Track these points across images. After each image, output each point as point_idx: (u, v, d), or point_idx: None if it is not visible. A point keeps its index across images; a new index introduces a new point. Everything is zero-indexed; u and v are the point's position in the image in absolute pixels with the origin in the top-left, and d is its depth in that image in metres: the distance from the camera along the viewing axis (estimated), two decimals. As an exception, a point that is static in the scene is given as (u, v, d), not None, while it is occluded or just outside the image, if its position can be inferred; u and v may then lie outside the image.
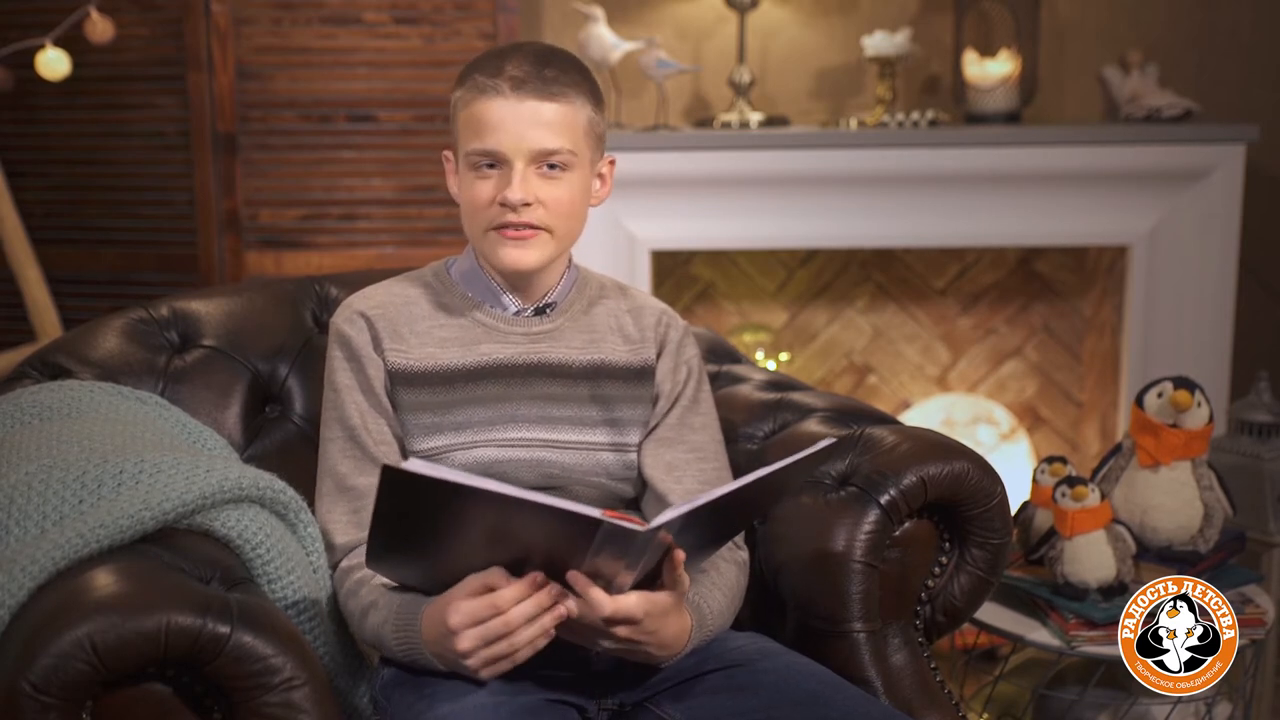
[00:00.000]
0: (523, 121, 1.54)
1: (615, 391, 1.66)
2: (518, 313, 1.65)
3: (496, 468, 1.59)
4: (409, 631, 1.43)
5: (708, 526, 1.43)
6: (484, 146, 1.55)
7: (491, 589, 1.36)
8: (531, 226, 1.56)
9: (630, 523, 1.31)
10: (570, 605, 1.36)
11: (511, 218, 1.56)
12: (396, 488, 1.29)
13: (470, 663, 1.37)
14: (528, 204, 1.55)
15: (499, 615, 1.35)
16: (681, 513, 1.33)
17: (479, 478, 1.31)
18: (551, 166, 1.56)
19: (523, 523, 1.32)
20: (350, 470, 1.59)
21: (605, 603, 1.35)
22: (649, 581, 1.40)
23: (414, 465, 1.28)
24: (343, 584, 1.55)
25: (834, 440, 1.48)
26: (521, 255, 1.58)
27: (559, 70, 1.56)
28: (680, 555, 1.38)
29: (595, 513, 1.30)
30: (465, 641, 1.36)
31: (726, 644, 1.54)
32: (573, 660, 1.45)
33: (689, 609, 1.47)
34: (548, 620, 1.36)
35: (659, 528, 1.32)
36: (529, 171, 1.55)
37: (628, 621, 1.38)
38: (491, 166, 1.56)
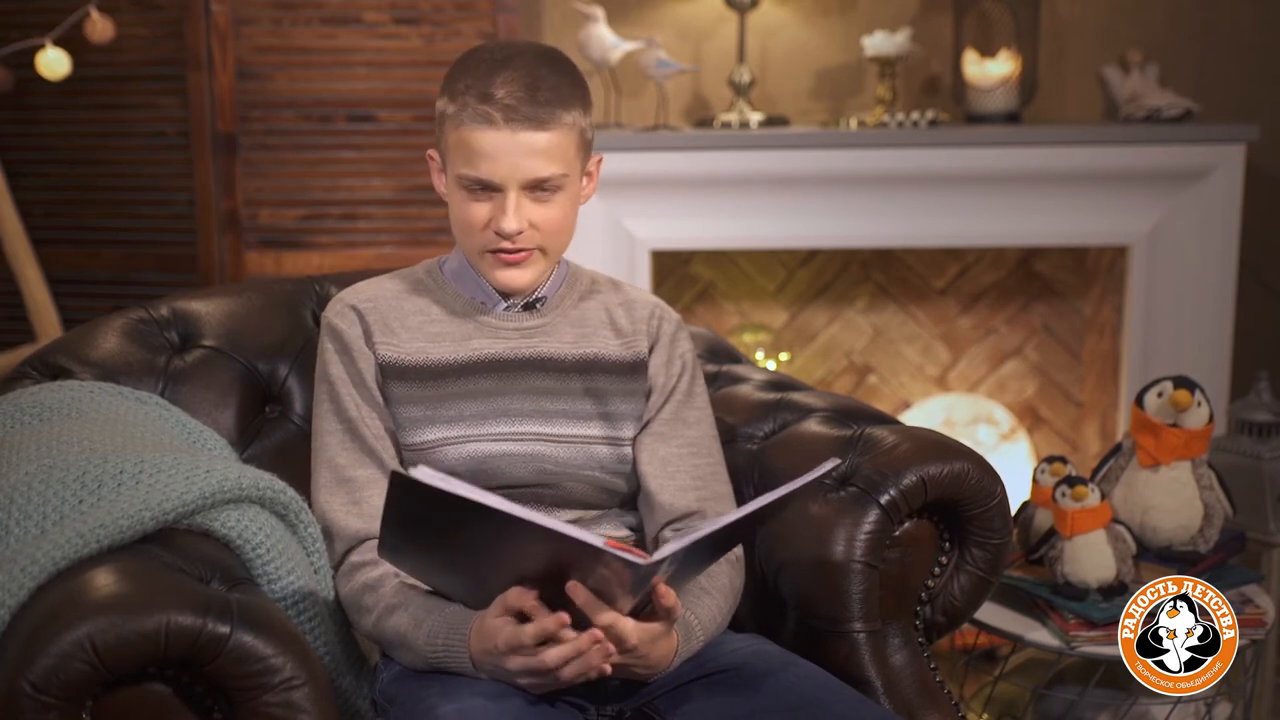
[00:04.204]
0: (516, 154, 1.54)
1: (608, 385, 1.66)
2: (508, 308, 1.66)
3: (490, 463, 1.60)
4: (453, 639, 1.44)
5: (706, 549, 1.44)
6: (477, 174, 1.56)
7: (516, 609, 1.38)
8: (525, 249, 1.59)
9: (631, 554, 1.32)
10: (608, 666, 1.39)
11: (506, 244, 1.58)
12: (404, 493, 1.30)
13: (520, 682, 1.40)
14: (521, 231, 1.57)
15: (536, 655, 1.36)
16: (684, 545, 1.34)
17: (486, 493, 1.31)
18: (544, 190, 1.57)
19: (527, 540, 1.33)
20: (349, 462, 1.60)
21: (604, 613, 1.36)
22: (639, 606, 1.41)
23: (422, 474, 1.28)
24: (354, 577, 1.55)
25: (837, 462, 1.48)
26: (517, 276, 1.61)
27: (551, 90, 1.55)
28: (665, 591, 1.38)
29: (598, 542, 1.31)
30: (514, 663, 1.38)
31: (723, 647, 1.54)
32: None
33: (677, 628, 1.47)
34: (595, 659, 1.37)
35: (661, 561, 1.33)
36: (522, 198, 1.56)
37: (619, 644, 1.39)
38: (483, 189, 1.57)
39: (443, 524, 1.34)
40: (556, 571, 1.36)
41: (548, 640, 1.36)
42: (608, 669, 1.39)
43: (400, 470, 1.29)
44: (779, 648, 1.57)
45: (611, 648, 1.38)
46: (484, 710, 1.36)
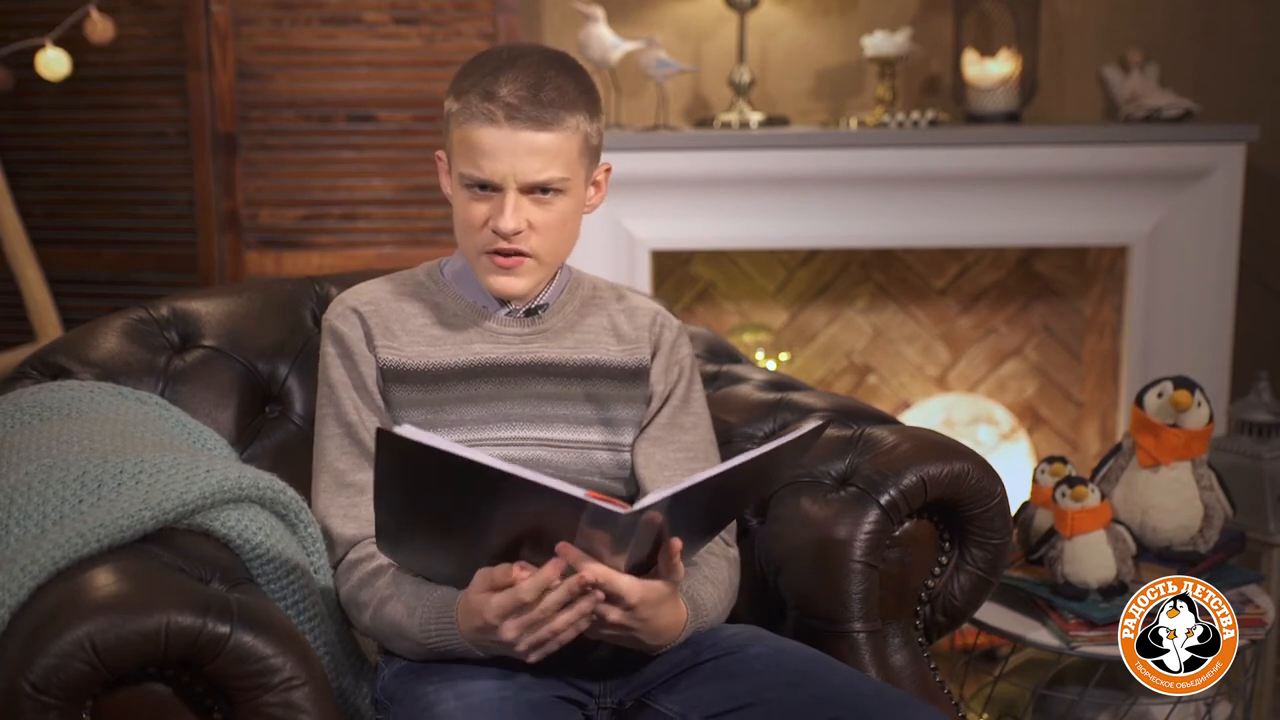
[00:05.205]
0: (516, 152, 1.54)
1: (609, 391, 1.66)
2: (510, 313, 1.66)
3: None
4: (443, 623, 1.44)
5: (696, 515, 1.44)
6: (477, 174, 1.55)
7: (503, 585, 1.37)
8: (521, 253, 1.58)
9: (613, 505, 1.32)
10: (600, 599, 1.38)
11: (503, 245, 1.57)
12: (390, 452, 1.31)
13: (518, 649, 1.40)
14: (519, 231, 1.56)
15: (530, 606, 1.37)
16: (665, 496, 1.34)
17: (468, 449, 1.32)
18: (545, 192, 1.57)
19: (511, 496, 1.34)
20: (348, 467, 1.60)
21: (594, 568, 1.36)
22: (643, 571, 1.41)
23: (406, 431, 1.29)
24: (350, 576, 1.55)
25: (821, 423, 1.48)
26: (511, 283, 1.60)
27: (555, 91, 1.54)
28: (676, 544, 1.39)
29: (579, 493, 1.31)
30: (509, 632, 1.39)
31: (719, 634, 1.55)
32: (571, 650, 1.45)
33: (684, 600, 1.48)
34: (585, 605, 1.38)
35: (641, 511, 1.33)
36: (521, 199, 1.56)
37: (621, 604, 1.39)
38: (484, 188, 1.57)
39: (429, 484, 1.34)
40: (542, 536, 1.36)
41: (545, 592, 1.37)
42: (591, 604, 1.39)
43: (384, 428, 1.30)
44: (771, 633, 1.57)
45: (601, 594, 1.38)
46: (484, 707, 1.36)
